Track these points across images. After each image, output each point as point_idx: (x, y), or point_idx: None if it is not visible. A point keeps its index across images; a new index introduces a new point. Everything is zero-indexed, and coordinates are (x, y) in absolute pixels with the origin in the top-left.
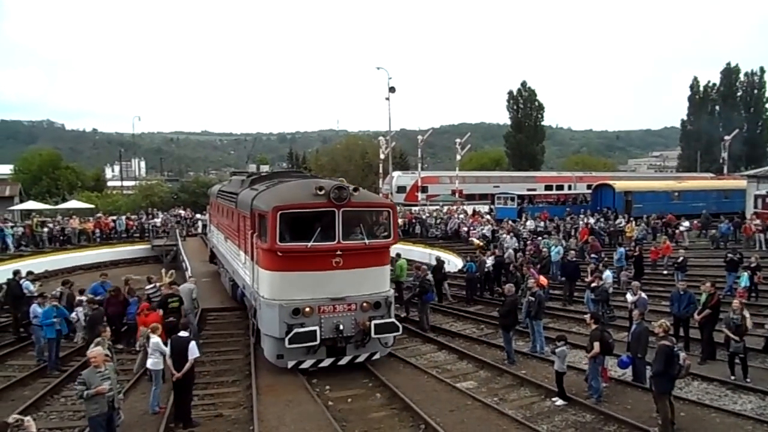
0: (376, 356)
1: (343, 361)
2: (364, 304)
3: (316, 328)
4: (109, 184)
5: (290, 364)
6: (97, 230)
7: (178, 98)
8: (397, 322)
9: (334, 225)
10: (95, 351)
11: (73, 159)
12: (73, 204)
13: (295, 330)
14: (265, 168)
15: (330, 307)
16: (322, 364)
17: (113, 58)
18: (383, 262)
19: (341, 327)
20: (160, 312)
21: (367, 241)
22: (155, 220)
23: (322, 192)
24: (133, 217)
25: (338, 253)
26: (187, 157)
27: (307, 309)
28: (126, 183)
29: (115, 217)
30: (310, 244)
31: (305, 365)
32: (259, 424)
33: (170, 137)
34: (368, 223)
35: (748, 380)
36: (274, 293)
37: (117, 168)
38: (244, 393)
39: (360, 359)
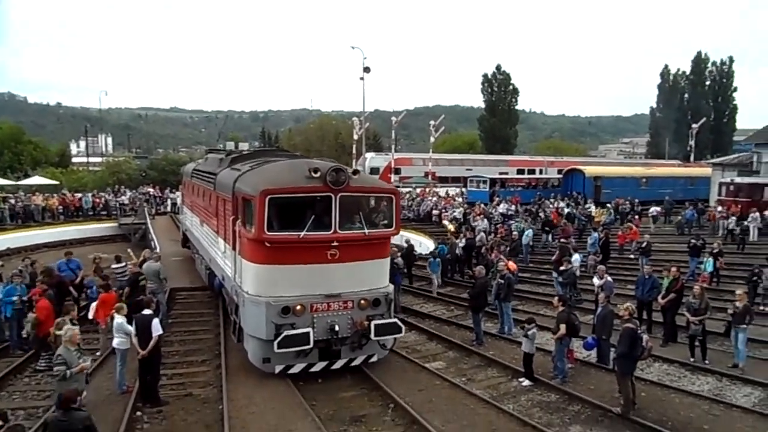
0: (374, 359)
1: (337, 365)
2: (362, 302)
3: (309, 330)
4: (75, 160)
5: (278, 369)
6: (62, 207)
7: (146, 73)
8: (400, 323)
9: (330, 212)
10: (74, 330)
11: (36, 133)
12: (36, 180)
13: (285, 332)
14: (244, 147)
15: (324, 305)
16: (313, 369)
17: (79, 29)
18: (383, 255)
19: (336, 327)
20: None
21: (366, 231)
22: (123, 197)
23: (317, 174)
24: (100, 194)
25: (334, 244)
26: (155, 133)
27: (299, 307)
28: (92, 159)
29: (81, 195)
30: (302, 233)
31: (294, 370)
32: (229, 404)
33: (138, 113)
34: (368, 211)
35: (707, 362)
36: (260, 289)
37: (83, 144)
38: (214, 372)
39: (356, 362)
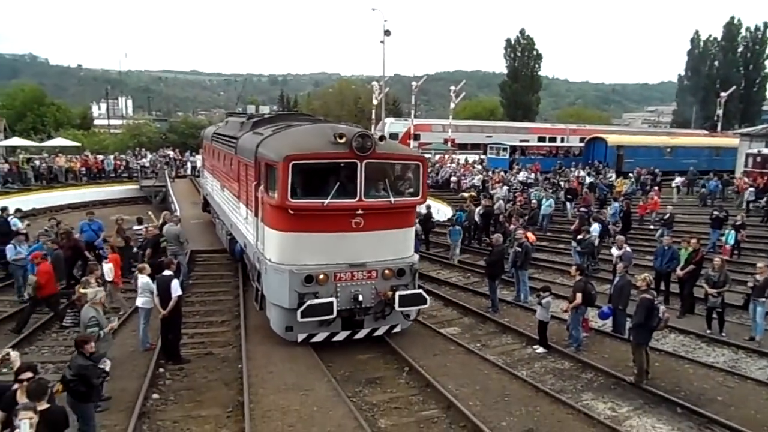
0: (397, 329)
1: (360, 335)
2: (386, 272)
3: (333, 299)
4: (96, 122)
5: (300, 337)
6: (85, 169)
7: (166, 35)
8: (424, 294)
9: (356, 179)
10: (98, 293)
11: (57, 95)
12: (59, 141)
13: (309, 301)
14: (265, 111)
15: (347, 275)
16: (336, 338)
17: None
18: (409, 224)
19: (360, 297)
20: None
21: (392, 199)
22: (143, 160)
23: (343, 140)
24: (121, 156)
25: (359, 212)
26: (175, 96)
27: (322, 276)
28: (113, 122)
29: (102, 157)
30: (327, 201)
31: (317, 339)
32: (248, 363)
33: (158, 76)
34: (393, 178)
35: (724, 334)
36: (283, 257)
37: (103, 106)
38: (233, 333)
39: (379, 332)
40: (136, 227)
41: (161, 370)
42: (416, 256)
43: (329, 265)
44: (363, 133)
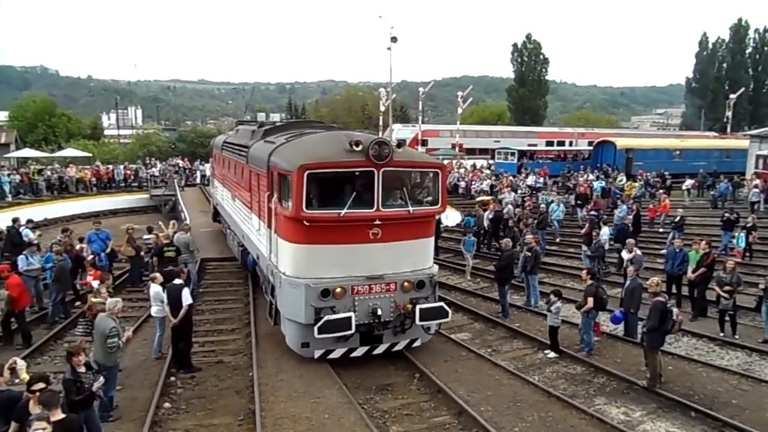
0: (417, 343)
1: (379, 350)
2: (405, 284)
3: (351, 314)
4: (106, 132)
5: (317, 353)
6: (95, 179)
7: (175, 45)
8: (446, 306)
9: (373, 188)
10: (118, 303)
11: (67, 106)
12: (69, 152)
13: (326, 317)
14: (275, 119)
15: (365, 288)
16: (354, 354)
17: (108, 1)
18: (428, 234)
19: (378, 311)
20: None
21: (411, 209)
22: (153, 169)
23: (359, 148)
24: (131, 166)
25: (377, 222)
26: (184, 106)
27: (339, 290)
28: (122, 132)
29: (112, 166)
30: (343, 211)
31: (334, 355)
32: (259, 371)
33: (167, 85)
34: (411, 187)
35: (737, 337)
36: (298, 270)
37: (113, 116)
38: (244, 341)
39: (398, 347)
40: (146, 236)
41: (172, 378)
42: (435, 267)
43: (346, 278)
44: (380, 140)
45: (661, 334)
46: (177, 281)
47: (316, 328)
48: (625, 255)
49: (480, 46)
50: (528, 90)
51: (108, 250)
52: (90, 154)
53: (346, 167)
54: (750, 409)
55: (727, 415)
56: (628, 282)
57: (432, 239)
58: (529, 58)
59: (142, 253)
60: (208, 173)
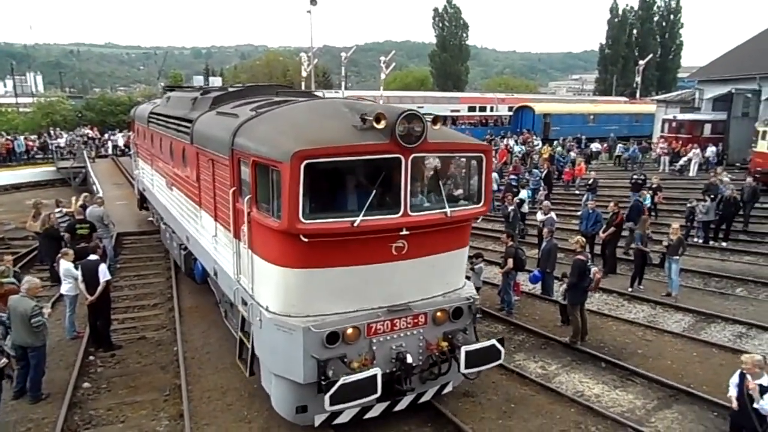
0: (448, 389)
1: (401, 406)
2: (438, 314)
3: (377, 371)
4: (2, 101)
5: (318, 420)
6: None
7: (77, 5)
8: (499, 344)
9: (399, 184)
10: (35, 282)
11: None
12: None
13: (342, 380)
14: (217, 83)
15: (386, 324)
16: (369, 414)
17: None
18: (464, 243)
19: (407, 357)
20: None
21: (449, 210)
22: (59, 140)
23: (381, 125)
24: (32, 137)
25: (403, 233)
26: (90, 71)
27: (350, 330)
28: (21, 100)
29: (12, 137)
30: (359, 219)
31: (342, 419)
32: (184, 345)
33: (70, 49)
34: (448, 180)
35: (641, 287)
36: (290, 305)
37: (9, 83)
38: (167, 315)
39: (425, 398)
40: (56, 210)
41: (91, 358)
42: (471, 286)
43: (359, 312)
44: (410, 112)
45: (582, 290)
46: (92, 257)
47: (327, 397)
48: (539, 217)
49: (403, 11)
50: (450, 55)
51: None
52: None
53: (363, 153)
54: (653, 357)
55: (633, 364)
56: (544, 243)
57: (466, 250)
58: (450, 23)
59: (57, 227)
60: (121, 143)
